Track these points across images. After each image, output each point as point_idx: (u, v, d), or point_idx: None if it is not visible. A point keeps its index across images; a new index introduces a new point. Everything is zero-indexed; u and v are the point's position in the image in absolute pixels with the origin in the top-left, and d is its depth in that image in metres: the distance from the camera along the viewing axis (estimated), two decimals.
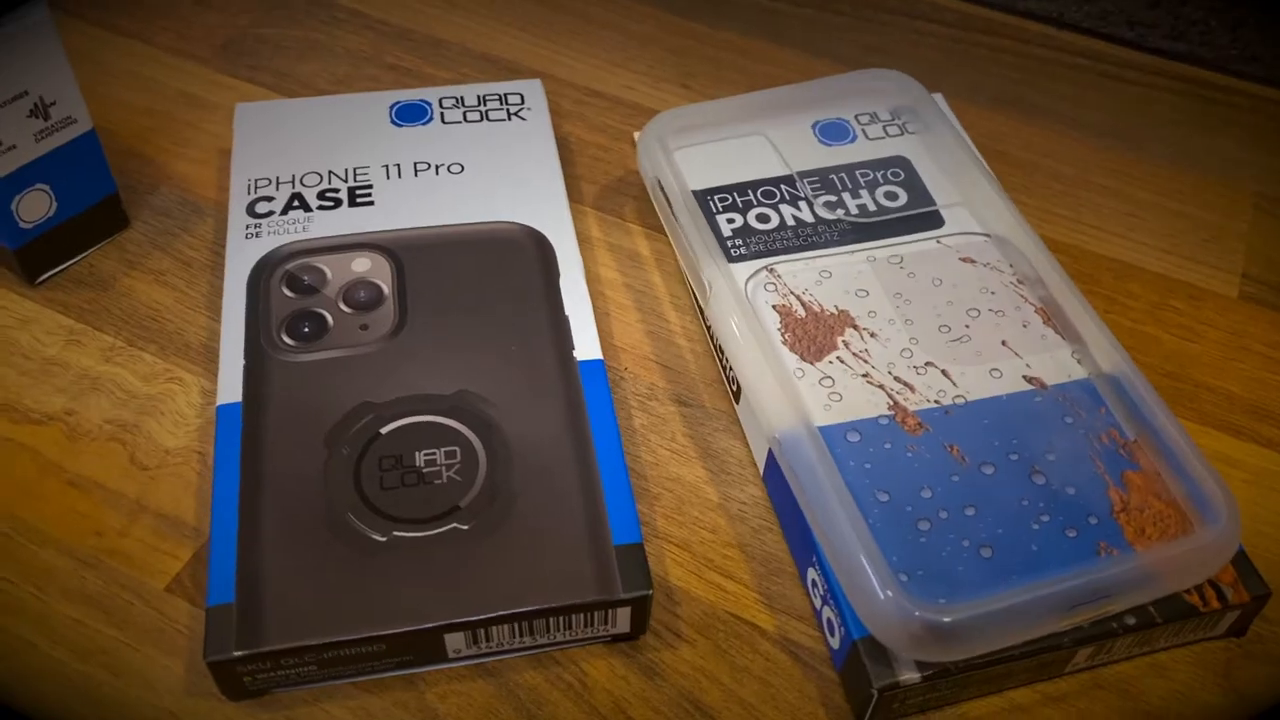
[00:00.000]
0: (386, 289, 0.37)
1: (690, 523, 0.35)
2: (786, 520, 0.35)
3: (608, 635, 0.32)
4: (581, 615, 0.31)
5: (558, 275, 0.38)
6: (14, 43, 0.35)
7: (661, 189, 0.41)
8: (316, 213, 0.39)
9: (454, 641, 0.31)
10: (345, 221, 0.39)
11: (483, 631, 0.30)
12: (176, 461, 0.36)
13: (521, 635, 0.31)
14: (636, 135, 0.48)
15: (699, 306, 0.40)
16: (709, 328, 0.40)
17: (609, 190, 0.45)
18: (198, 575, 0.33)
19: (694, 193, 0.41)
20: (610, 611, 0.31)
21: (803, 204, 0.41)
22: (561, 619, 0.31)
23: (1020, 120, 0.49)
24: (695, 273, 0.39)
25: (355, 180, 0.41)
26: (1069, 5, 0.55)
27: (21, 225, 0.39)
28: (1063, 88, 0.51)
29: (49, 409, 0.37)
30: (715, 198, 0.41)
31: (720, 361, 0.39)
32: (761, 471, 0.36)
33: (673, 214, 0.40)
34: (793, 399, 0.34)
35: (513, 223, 0.40)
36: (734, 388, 0.38)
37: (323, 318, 0.36)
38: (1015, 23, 0.54)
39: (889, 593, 0.29)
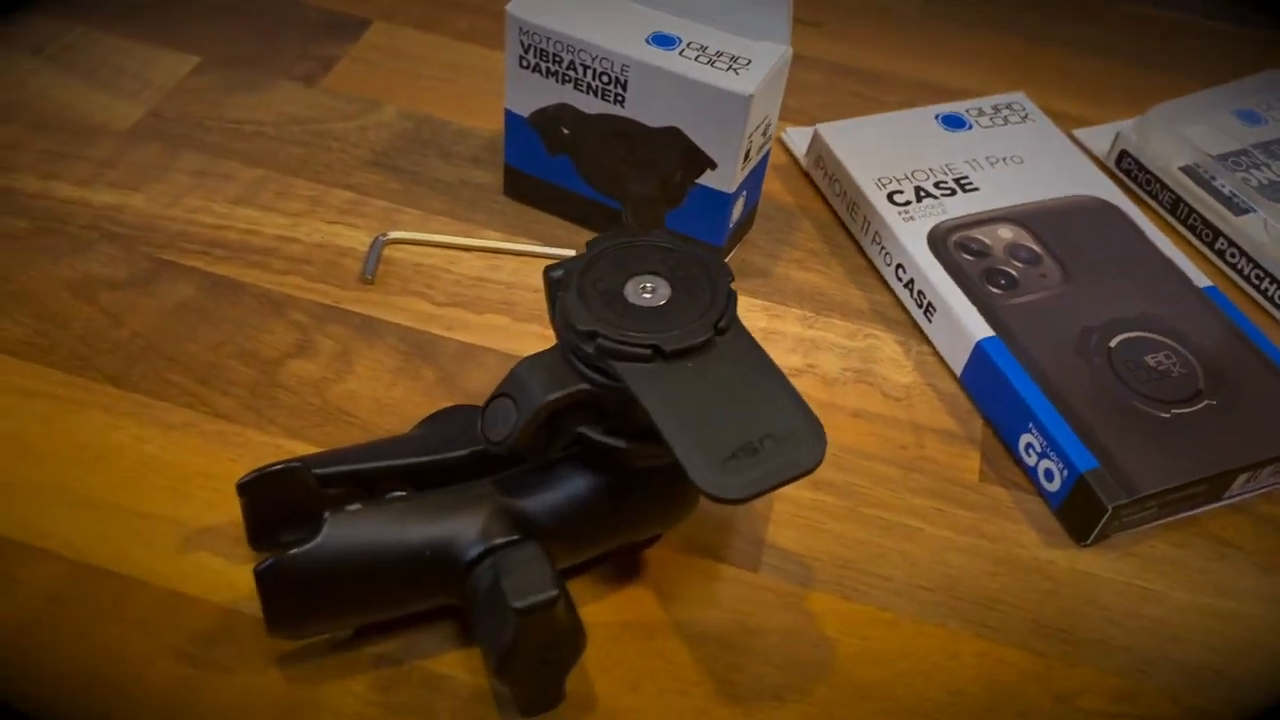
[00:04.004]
0: (1038, 249, 0.48)
1: None
2: None
3: None
4: None
5: (1141, 231, 0.50)
6: (779, 77, 0.44)
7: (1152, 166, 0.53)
8: (942, 199, 0.50)
9: (1238, 483, 0.41)
10: (967, 203, 0.50)
11: (1261, 471, 0.41)
12: (915, 394, 0.46)
13: (1275, 475, 0.42)
14: (1078, 132, 0.60)
15: (1211, 250, 0.52)
16: (1234, 252, 0.52)
17: None
18: (996, 467, 0.43)
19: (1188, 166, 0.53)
20: None
21: (1262, 169, 0.54)
22: None
23: None
24: (1220, 224, 0.51)
25: (953, 174, 0.51)
26: None
27: (729, 228, 0.48)
28: None
29: (795, 365, 0.46)
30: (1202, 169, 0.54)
31: (1242, 267, 0.51)
32: None
33: (1203, 181, 0.52)
34: None
35: (1089, 196, 0.51)
36: None
37: (1009, 273, 0.47)
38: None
39: None
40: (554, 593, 0.31)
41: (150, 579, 0.37)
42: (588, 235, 0.51)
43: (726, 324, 0.32)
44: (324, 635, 0.35)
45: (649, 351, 0.31)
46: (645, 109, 0.45)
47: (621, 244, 0.34)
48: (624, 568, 0.39)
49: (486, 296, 0.47)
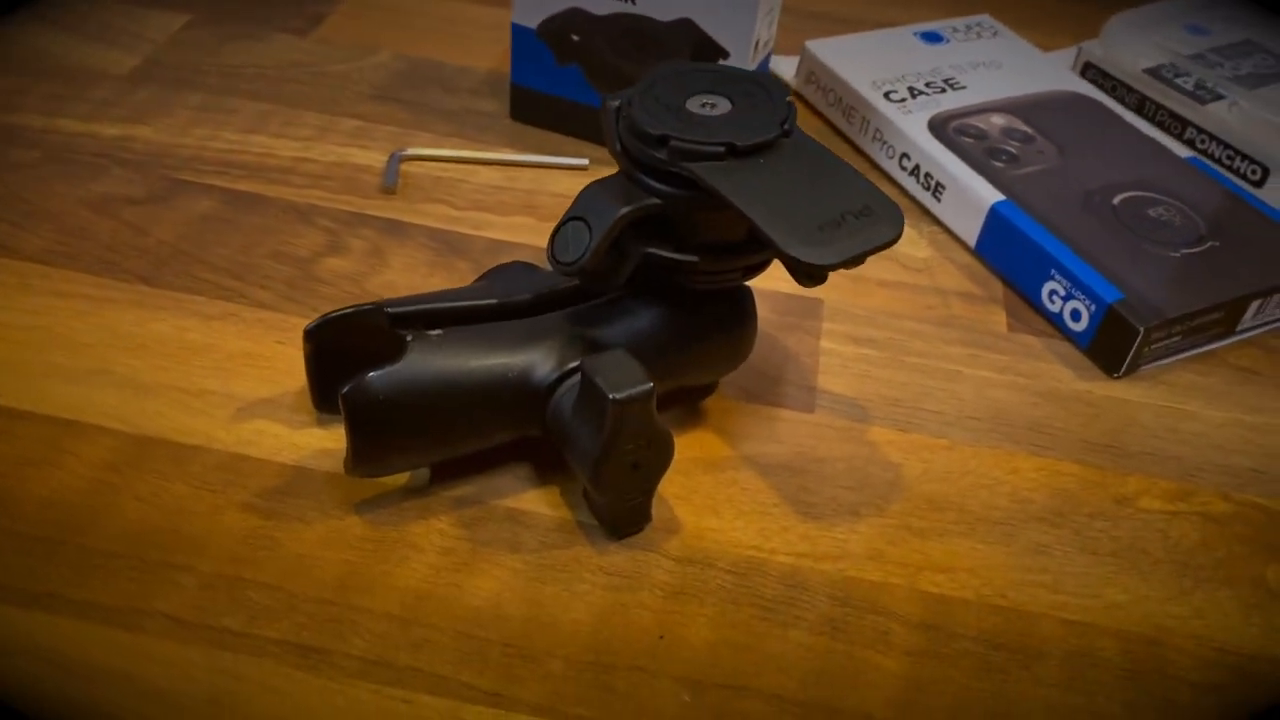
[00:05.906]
0: (1030, 131, 0.50)
1: None
2: None
3: None
4: None
5: (1120, 117, 0.52)
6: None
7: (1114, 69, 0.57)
8: (935, 95, 0.52)
9: (1249, 313, 0.43)
10: (957, 98, 0.52)
11: (1270, 300, 0.44)
12: (934, 265, 0.47)
13: (1273, 309, 0.44)
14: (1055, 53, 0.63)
15: (1180, 141, 0.56)
16: (1203, 138, 0.55)
17: None
18: (1021, 319, 0.45)
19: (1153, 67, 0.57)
20: None
21: (1219, 68, 0.58)
22: None
23: None
24: (1188, 115, 0.55)
25: (940, 76, 0.54)
26: None
27: None
28: None
29: None
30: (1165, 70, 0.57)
31: (1212, 151, 0.54)
32: None
33: (1166, 80, 0.56)
34: None
35: (1068, 90, 0.54)
36: (1257, 174, 0.53)
37: (1009, 150, 0.49)
38: None
39: None
40: (649, 385, 0.31)
41: (210, 444, 0.36)
42: (598, 150, 0.52)
43: (790, 125, 0.34)
44: (404, 471, 0.35)
45: (722, 149, 0.32)
46: (657, 3, 0.47)
47: (676, 71, 0.36)
48: (686, 417, 0.39)
49: (508, 202, 0.48)
